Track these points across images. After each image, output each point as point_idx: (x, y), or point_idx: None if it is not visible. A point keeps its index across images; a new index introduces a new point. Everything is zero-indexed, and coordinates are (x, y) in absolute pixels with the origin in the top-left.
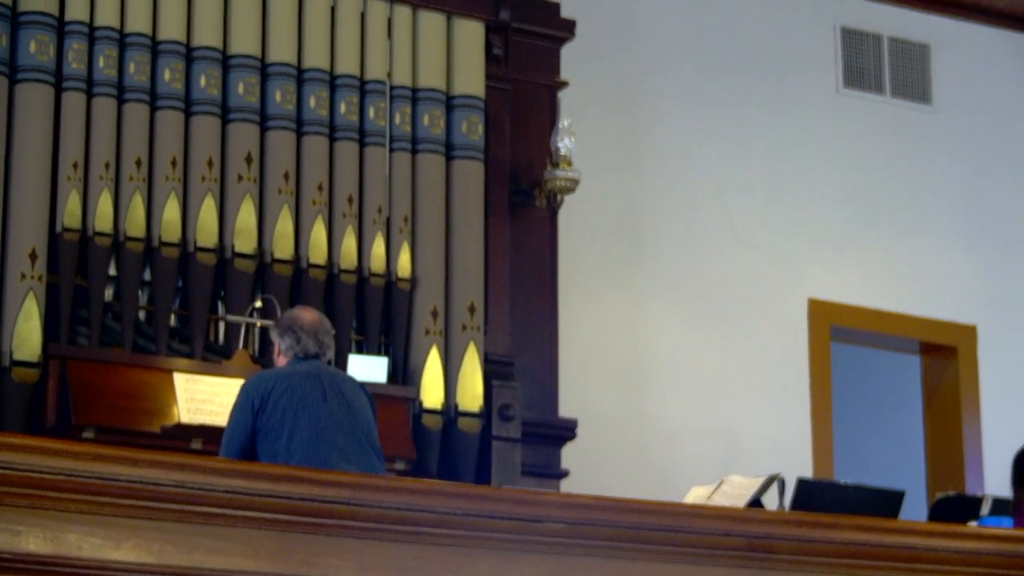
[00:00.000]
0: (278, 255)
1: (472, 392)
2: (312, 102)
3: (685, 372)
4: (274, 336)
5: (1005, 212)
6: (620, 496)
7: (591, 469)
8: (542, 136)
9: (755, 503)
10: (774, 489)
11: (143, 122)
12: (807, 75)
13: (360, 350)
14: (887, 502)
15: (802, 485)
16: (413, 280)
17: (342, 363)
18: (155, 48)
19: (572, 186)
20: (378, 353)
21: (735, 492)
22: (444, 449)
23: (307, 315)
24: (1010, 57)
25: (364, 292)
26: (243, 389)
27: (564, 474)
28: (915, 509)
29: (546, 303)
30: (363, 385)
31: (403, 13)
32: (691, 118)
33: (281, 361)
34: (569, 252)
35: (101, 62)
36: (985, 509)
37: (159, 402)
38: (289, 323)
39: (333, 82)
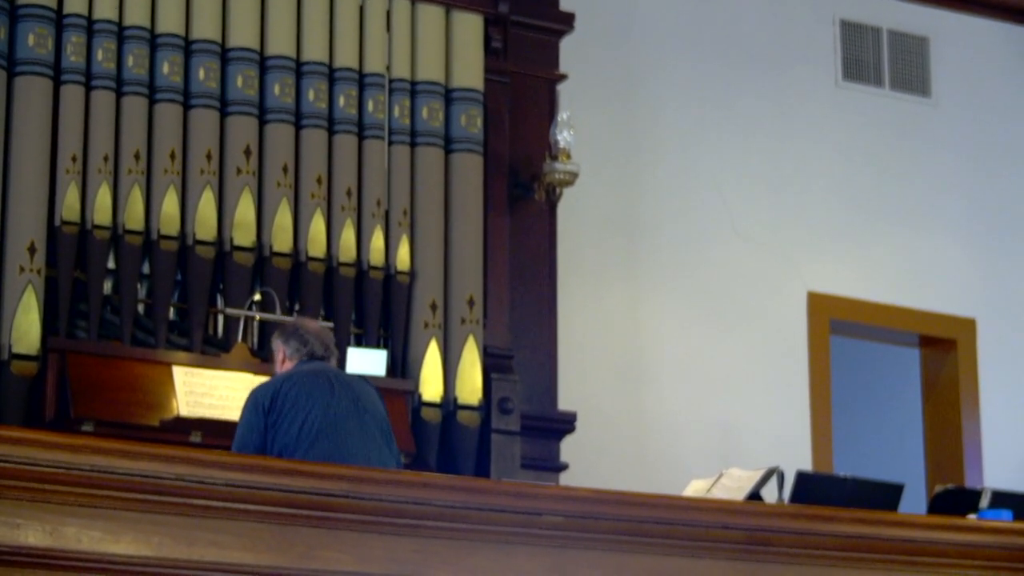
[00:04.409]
0: (277, 248)
1: (471, 385)
2: (311, 95)
3: (684, 365)
4: (278, 344)
5: (1004, 205)
6: (619, 489)
7: (590, 462)
8: (541, 129)
9: (754, 496)
10: (773, 482)
11: (142, 115)
12: (806, 68)
13: (359, 343)
14: (886, 495)
15: (801, 478)
16: (412, 273)
17: (341, 356)
18: (154, 41)
19: (571, 179)
20: (377, 346)
21: (734, 485)
22: (443, 442)
23: (311, 323)
24: (1009, 50)
25: (363, 285)
26: (251, 396)
27: (563, 467)
28: (914, 502)
29: (545, 296)
30: (369, 382)
31: (402, 6)
32: (690, 111)
33: (286, 366)
34: (568, 245)
35: (100, 55)
36: (984, 502)
37: (158, 395)
38: (294, 328)
39: (332, 75)
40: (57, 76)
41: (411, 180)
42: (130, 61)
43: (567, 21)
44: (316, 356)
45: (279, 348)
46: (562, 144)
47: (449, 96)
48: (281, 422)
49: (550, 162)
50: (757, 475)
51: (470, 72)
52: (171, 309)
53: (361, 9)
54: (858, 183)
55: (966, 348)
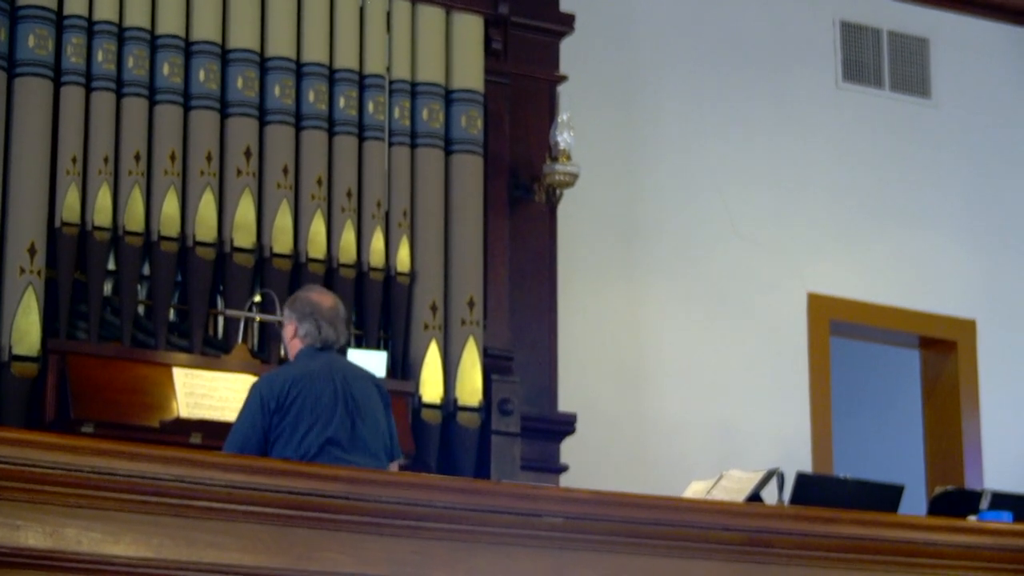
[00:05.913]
0: (277, 249)
1: (471, 386)
2: (311, 96)
3: (684, 366)
4: (291, 318)
5: (1004, 206)
6: (619, 491)
7: (590, 464)
8: (541, 130)
9: (754, 497)
10: (773, 483)
11: (142, 116)
12: (806, 69)
13: (359, 344)
14: (886, 496)
15: (801, 479)
16: (412, 274)
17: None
18: (154, 42)
19: (571, 180)
20: (377, 347)
21: (734, 487)
22: (443, 444)
23: (326, 301)
24: (1009, 51)
25: (363, 286)
26: (255, 389)
27: (563, 469)
28: (914, 504)
29: (545, 297)
30: (376, 381)
31: (402, 7)
32: (690, 112)
33: (296, 345)
34: (568, 247)
35: (100, 56)
36: (984, 503)
37: (158, 396)
38: (310, 310)
39: (332, 76)
40: (57, 77)
41: (411, 181)
42: (130, 62)
43: (567, 22)
44: (328, 344)
45: (291, 322)
46: (562, 145)
47: (449, 97)
48: (280, 433)
49: (550, 163)
50: (757, 476)
51: (470, 73)
52: (171, 310)
53: (361, 10)
54: (858, 184)
55: (966, 349)
